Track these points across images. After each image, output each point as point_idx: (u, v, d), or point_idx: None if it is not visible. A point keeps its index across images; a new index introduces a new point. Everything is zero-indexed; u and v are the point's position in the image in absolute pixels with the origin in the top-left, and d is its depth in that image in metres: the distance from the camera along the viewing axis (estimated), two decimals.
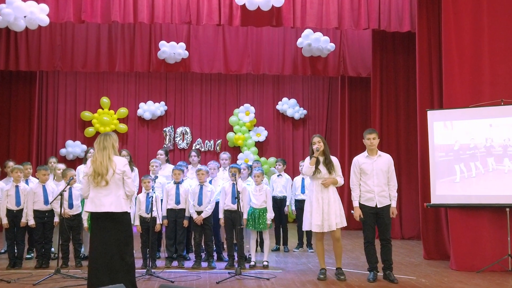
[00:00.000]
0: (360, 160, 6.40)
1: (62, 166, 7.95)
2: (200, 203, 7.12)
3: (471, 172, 7.18)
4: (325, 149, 6.34)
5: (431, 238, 7.98)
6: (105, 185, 5.02)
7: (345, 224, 6.34)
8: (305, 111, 13.28)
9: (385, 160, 6.34)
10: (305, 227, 6.41)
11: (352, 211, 6.41)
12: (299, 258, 7.91)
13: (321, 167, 6.29)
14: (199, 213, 7.11)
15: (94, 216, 5.10)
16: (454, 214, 7.23)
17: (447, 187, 7.33)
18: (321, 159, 6.32)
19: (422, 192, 8.01)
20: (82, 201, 7.34)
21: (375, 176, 6.25)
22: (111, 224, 5.02)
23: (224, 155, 8.26)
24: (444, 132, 7.42)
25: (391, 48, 10.43)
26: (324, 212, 6.20)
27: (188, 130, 13.00)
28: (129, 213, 5.20)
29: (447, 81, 7.47)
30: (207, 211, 7.12)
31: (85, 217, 7.12)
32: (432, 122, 7.49)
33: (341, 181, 6.37)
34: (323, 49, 10.85)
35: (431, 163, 7.47)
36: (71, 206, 7.10)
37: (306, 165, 6.32)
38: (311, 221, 6.25)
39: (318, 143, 6.30)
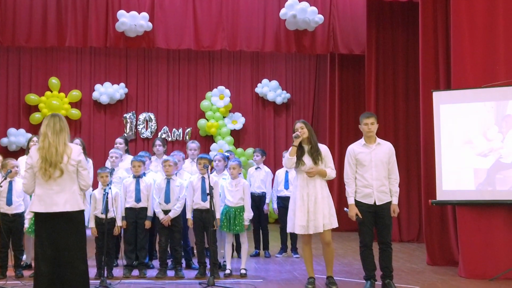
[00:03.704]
0: (356, 149, 6.21)
1: None
2: (167, 200, 6.91)
3: (484, 163, 7.06)
4: (310, 136, 6.18)
5: (436, 241, 7.93)
6: (59, 175, 4.71)
7: (335, 225, 6.18)
8: (288, 95, 13.23)
9: (385, 149, 6.17)
10: (289, 229, 6.27)
11: (345, 209, 6.22)
12: (283, 265, 7.79)
13: (306, 158, 6.12)
14: (165, 212, 6.90)
15: (42, 217, 4.78)
16: (463, 212, 7.13)
17: (456, 181, 7.20)
18: (306, 148, 6.16)
19: (425, 187, 7.93)
20: None
21: (373, 168, 6.07)
22: (64, 226, 4.74)
23: (193, 144, 8.05)
24: (452, 116, 7.30)
25: (389, 20, 10.36)
26: (309, 212, 6.04)
27: (152, 116, 12.86)
28: (84, 211, 4.95)
29: (456, 58, 7.36)
30: (176, 209, 6.91)
31: (28, 216, 6.80)
32: (438, 105, 7.39)
33: (332, 173, 6.20)
34: (310, 22, 10.70)
35: (437, 153, 7.36)
36: (9, 202, 6.77)
37: (286, 156, 6.17)
38: (295, 222, 6.07)
39: (300, 129, 6.13)
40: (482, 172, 7.06)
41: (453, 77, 7.41)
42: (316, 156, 6.12)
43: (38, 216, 4.80)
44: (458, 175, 7.19)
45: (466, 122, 7.21)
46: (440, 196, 7.30)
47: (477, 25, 7.23)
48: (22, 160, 7.89)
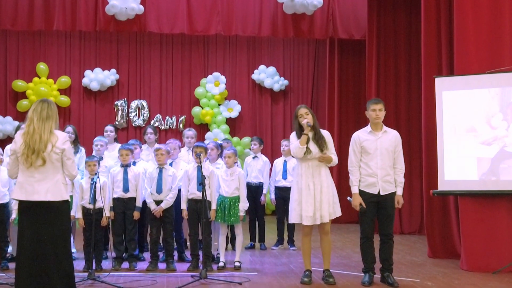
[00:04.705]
0: (361, 136, 6.18)
1: None
2: (159, 190, 6.88)
3: (488, 152, 7.02)
4: (314, 122, 6.13)
5: (437, 233, 7.91)
6: (41, 164, 4.66)
7: (339, 213, 6.17)
8: (286, 82, 13.16)
9: (391, 138, 6.15)
10: (292, 220, 6.18)
11: (348, 198, 6.20)
12: (279, 257, 7.78)
13: (311, 146, 6.07)
14: (157, 203, 6.87)
15: (24, 206, 4.75)
16: (466, 203, 7.11)
17: (458, 170, 7.18)
18: (310, 135, 6.10)
19: (427, 177, 7.91)
20: None
21: (379, 157, 6.05)
22: (46, 216, 4.69)
23: (189, 132, 8.04)
24: (455, 103, 7.26)
25: (391, 4, 10.31)
26: (316, 201, 6.00)
27: (145, 104, 12.80)
28: (69, 202, 4.92)
29: (459, 43, 7.31)
30: (168, 200, 6.89)
31: (15, 207, 6.74)
32: (440, 92, 7.35)
33: (336, 159, 6.18)
34: (309, 5, 10.67)
35: (439, 142, 7.33)
36: None
37: (296, 145, 6.07)
38: (301, 213, 6.02)
39: (306, 115, 6.08)
40: (485, 161, 7.03)
41: (456, 63, 7.36)
42: (321, 143, 6.07)
43: (20, 204, 4.77)
44: (461, 164, 7.15)
45: (470, 110, 7.17)
46: (442, 186, 7.28)
47: (482, 8, 7.17)
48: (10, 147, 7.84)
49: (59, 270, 4.70)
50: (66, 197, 4.79)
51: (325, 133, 6.21)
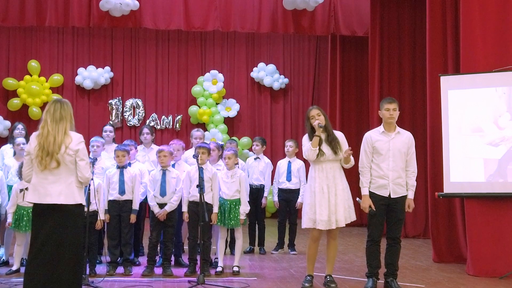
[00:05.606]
0: (373, 136, 6.17)
1: None
2: (163, 193, 6.86)
3: (495, 153, 7.02)
4: (326, 123, 6.12)
5: (443, 236, 7.91)
6: (55, 167, 4.67)
7: (354, 218, 6.14)
8: (286, 80, 13.16)
9: (404, 139, 6.15)
10: (304, 224, 6.15)
11: (358, 199, 6.20)
12: (279, 262, 7.76)
13: (324, 147, 6.05)
14: (161, 206, 6.85)
15: (37, 208, 4.77)
16: (472, 206, 7.12)
17: (464, 172, 7.18)
18: (323, 136, 6.09)
19: (432, 179, 7.92)
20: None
21: (391, 158, 6.05)
22: (58, 220, 4.70)
23: (197, 133, 8.05)
24: (461, 102, 7.26)
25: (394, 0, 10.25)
26: (331, 204, 5.99)
27: (140, 103, 12.80)
28: (84, 206, 4.94)
29: (465, 40, 7.32)
30: (172, 203, 6.86)
31: (10, 210, 6.75)
32: (446, 91, 7.34)
33: (353, 160, 6.14)
34: (310, 1, 10.68)
35: (444, 142, 7.33)
36: None
37: (308, 147, 6.05)
38: (314, 217, 5.99)
39: (317, 116, 6.06)
40: (492, 162, 7.03)
41: (462, 61, 7.37)
42: (334, 145, 6.06)
43: (34, 207, 4.79)
44: (467, 165, 7.16)
45: (476, 109, 7.17)
46: (448, 189, 7.28)
47: (489, 3, 7.17)
48: (5, 149, 7.83)
49: (68, 275, 4.72)
50: (80, 200, 4.78)
51: (339, 134, 6.20)
